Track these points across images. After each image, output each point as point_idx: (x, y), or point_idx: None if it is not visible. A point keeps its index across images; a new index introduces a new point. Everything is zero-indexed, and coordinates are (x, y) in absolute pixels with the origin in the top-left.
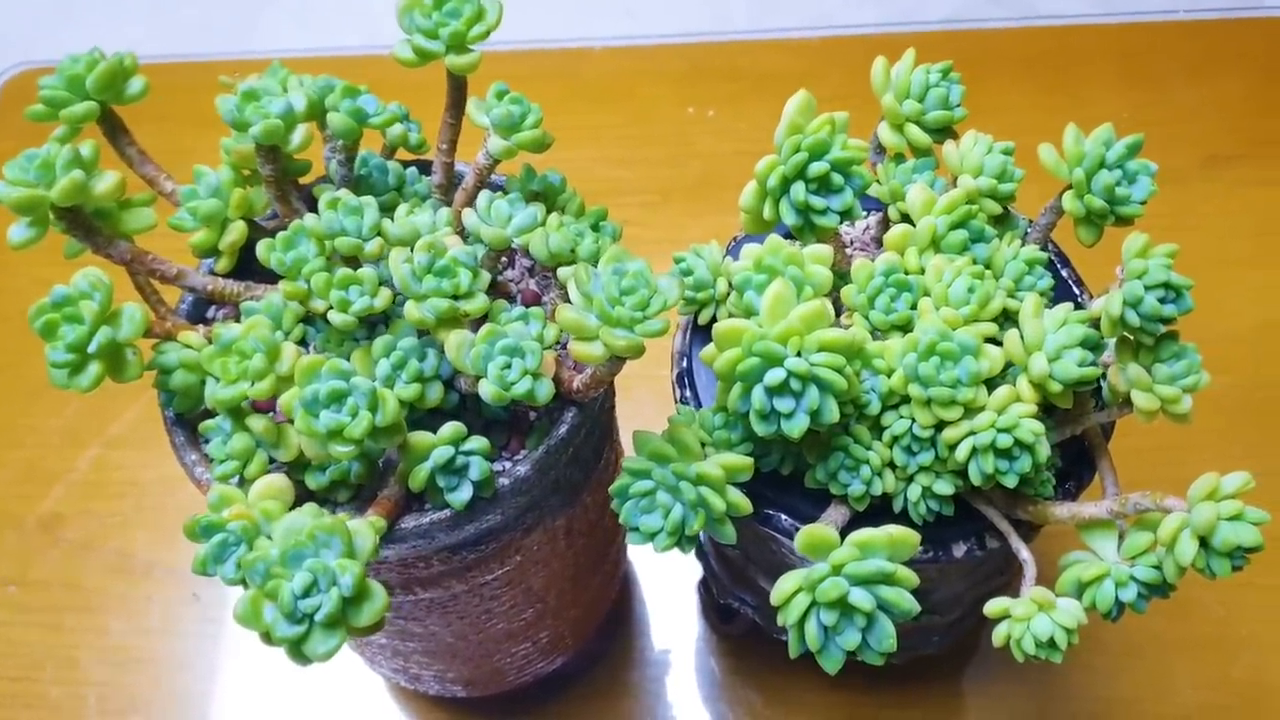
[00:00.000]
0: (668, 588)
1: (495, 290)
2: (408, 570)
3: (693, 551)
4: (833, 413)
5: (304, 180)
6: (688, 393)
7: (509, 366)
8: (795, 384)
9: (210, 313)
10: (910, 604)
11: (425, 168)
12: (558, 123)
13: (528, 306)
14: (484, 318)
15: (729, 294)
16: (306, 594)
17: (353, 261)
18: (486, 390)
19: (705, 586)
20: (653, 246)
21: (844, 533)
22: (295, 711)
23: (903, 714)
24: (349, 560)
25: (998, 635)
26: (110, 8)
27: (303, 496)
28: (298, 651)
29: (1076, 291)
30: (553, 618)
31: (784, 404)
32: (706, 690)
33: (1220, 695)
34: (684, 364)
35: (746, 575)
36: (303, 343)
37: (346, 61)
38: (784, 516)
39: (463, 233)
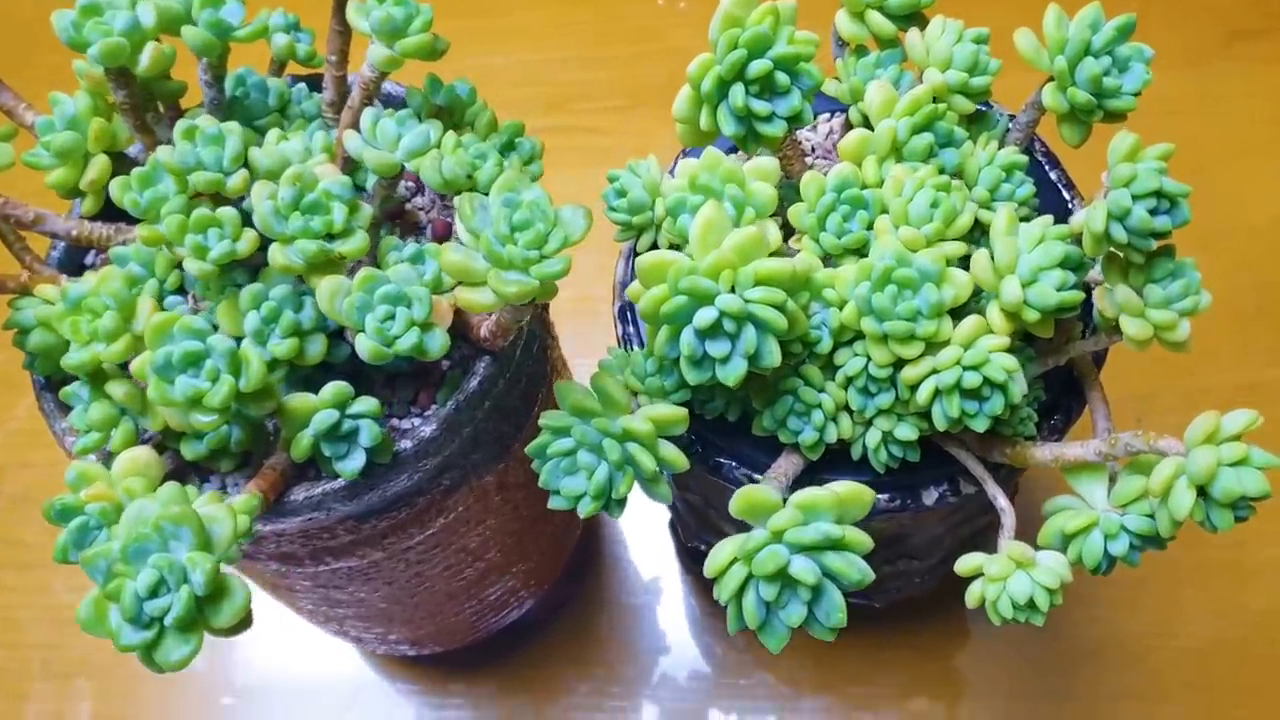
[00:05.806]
0: (642, 525)
1: (401, 221)
2: (311, 541)
3: None
4: (773, 355)
5: (186, 105)
6: (630, 329)
7: (391, 317)
8: (729, 325)
9: (89, 259)
10: (862, 573)
11: (318, 83)
12: (520, 19)
13: (438, 239)
14: (375, 259)
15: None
16: (153, 594)
17: (220, 199)
18: (364, 346)
19: (674, 529)
20: (620, 156)
21: (798, 484)
22: (252, 667)
23: (900, 653)
24: (201, 554)
25: (971, 595)
26: None
27: (181, 469)
28: (149, 659)
29: (1067, 196)
30: (499, 574)
31: (717, 347)
32: (692, 625)
33: (1234, 626)
34: (625, 296)
35: (710, 520)
36: (180, 291)
37: None
38: (735, 465)
39: (347, 159)
